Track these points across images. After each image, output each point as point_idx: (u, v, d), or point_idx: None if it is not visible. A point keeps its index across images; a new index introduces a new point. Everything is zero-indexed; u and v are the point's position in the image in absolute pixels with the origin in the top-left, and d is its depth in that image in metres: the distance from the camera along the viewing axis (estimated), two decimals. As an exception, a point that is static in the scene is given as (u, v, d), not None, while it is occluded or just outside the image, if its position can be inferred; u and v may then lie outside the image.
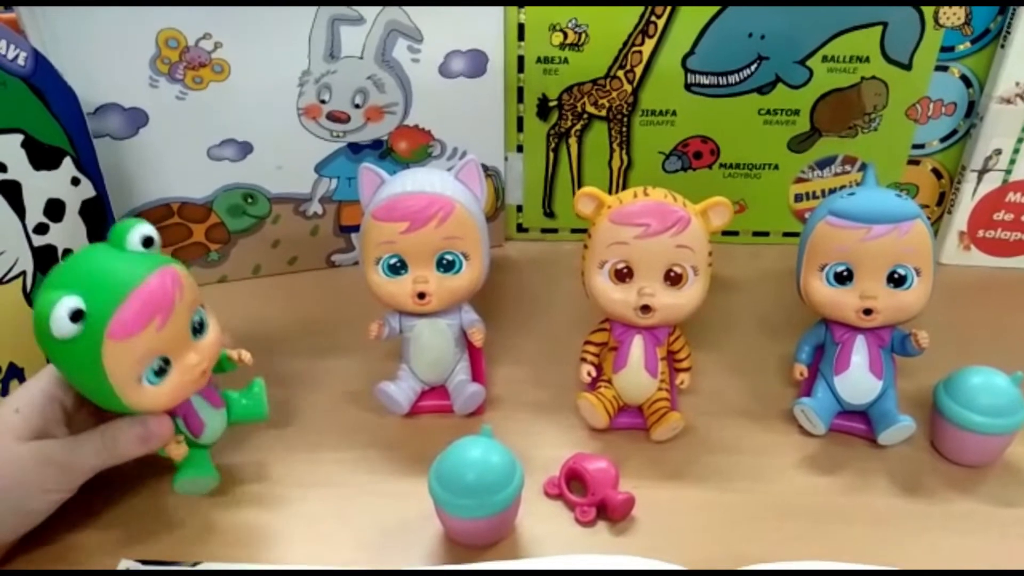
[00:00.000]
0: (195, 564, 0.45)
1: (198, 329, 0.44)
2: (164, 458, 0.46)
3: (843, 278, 0.51)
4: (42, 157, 0.53)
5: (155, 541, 0.46)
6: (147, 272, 0.41)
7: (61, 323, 0.38)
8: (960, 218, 0.70)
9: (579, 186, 0.72)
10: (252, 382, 0.50)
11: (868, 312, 0.50)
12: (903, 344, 0.52)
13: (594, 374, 0.54)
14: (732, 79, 0.66)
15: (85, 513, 0.47)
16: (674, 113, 0.68)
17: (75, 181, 0.56)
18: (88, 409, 0.46)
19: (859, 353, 0.52)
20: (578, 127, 0.69)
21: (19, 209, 0.52)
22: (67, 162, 0.55)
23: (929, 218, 0.50)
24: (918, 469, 0.51)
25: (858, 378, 0.52)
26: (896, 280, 0.50)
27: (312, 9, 0.58)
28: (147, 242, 0.42)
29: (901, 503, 0.49)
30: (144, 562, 0.45)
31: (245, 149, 0.63)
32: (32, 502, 0.43)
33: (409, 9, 0.60)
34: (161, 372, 0.42)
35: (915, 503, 0.49)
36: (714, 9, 0.63)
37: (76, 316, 0.39)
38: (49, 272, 0.42)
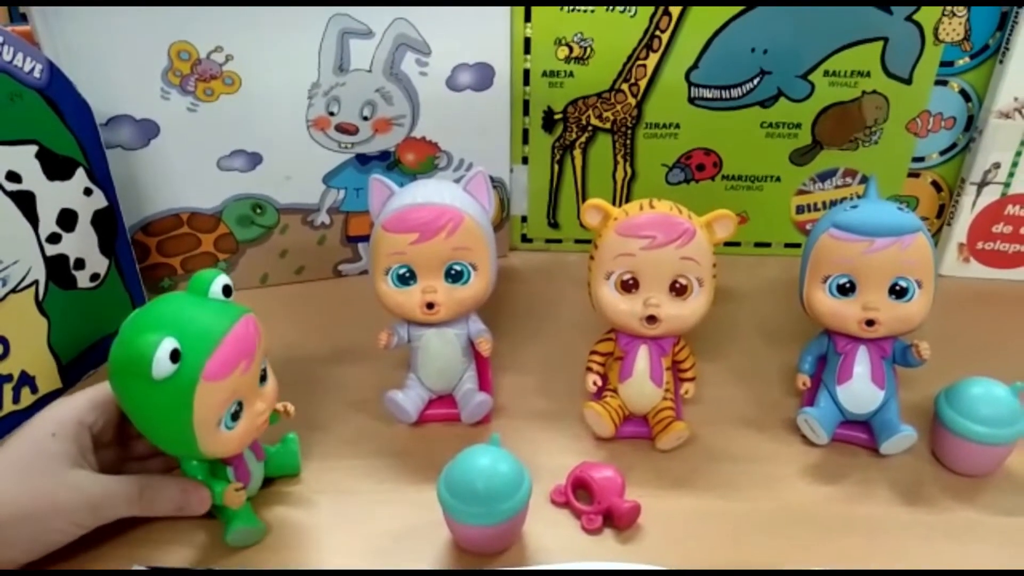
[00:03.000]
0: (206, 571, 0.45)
1: (263, 377, 0.46)
2: (215, 506, 0.46)
3: (846, 290, 0.51)
4: (56, 167, 0.54)
5: (166, 548, 0.47)
6: (235, 319, 0.43)
7: (162, 363, 0.39)
8: (959, 230, 0.71)
9: (583, 197, 0.73)
10: (286, 437, 0.51)
11: (870, 323, 0.51)
12: (904, 355, 0.53)
13: (600, 383, 0.54)
14: (735, 93, 0.67)
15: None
16: (677, 126, 0.69)
17: (87, 191, 0.57)
18: (111, 438, 0.47)
19: (861, 364, 0.52)
20: (583, 139, 0.70)
21: (33, 219, 0.53)
22: (80, 173, 0.56)
23: (929, 230, 0.51)
24: (919, 478, 0.52)
25: (860, 388, 0.53)
26: (898, 292, 0.50)
27: (322, 22, 0.59)
28: (226, 291, 0.44)
29: (902, 512, 0.50)
30: (155, 569, 0.45)
31: (254, 160, 0.64)
32: (54, 533, 0.43)
33: (418, 23, 0.61)
34: (236, 416, 0.44)
35: (916, 512, 0.50)
36: (718, 24, 0.64)
37: (174, 356, 0.40)
38: (130, 318, 0.43)
